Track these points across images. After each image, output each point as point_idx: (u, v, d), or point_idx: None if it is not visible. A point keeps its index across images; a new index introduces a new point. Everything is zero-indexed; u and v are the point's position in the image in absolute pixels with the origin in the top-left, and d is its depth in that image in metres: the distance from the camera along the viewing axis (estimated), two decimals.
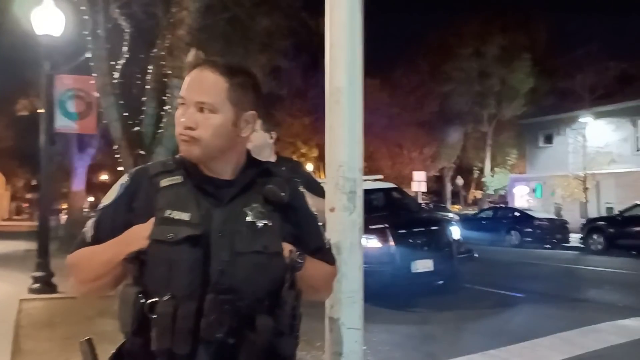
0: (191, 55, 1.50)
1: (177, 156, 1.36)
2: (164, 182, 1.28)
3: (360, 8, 1.96)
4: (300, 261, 1.26)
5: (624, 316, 6.91)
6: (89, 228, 1.32)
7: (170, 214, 1.23)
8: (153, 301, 1.17)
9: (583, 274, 12.01)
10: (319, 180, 2.78)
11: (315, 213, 1.45)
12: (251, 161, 1.39)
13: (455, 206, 43.04)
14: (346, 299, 1.91)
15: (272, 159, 2.75)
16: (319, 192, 2.51)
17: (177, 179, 1.29)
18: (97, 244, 1.28)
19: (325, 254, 1.43)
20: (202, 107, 1.27)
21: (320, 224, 1.46)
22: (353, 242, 1.93)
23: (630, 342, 5.83)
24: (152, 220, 1.23)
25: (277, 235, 1.28)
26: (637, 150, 24.62)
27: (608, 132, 24.71)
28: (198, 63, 1.32)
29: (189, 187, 1.28)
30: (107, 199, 1.34)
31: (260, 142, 2.69)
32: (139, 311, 1.17)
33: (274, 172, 1.39)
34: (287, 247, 1.28)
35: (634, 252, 15.19)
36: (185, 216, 1.23)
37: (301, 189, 1.44)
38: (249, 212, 1.26)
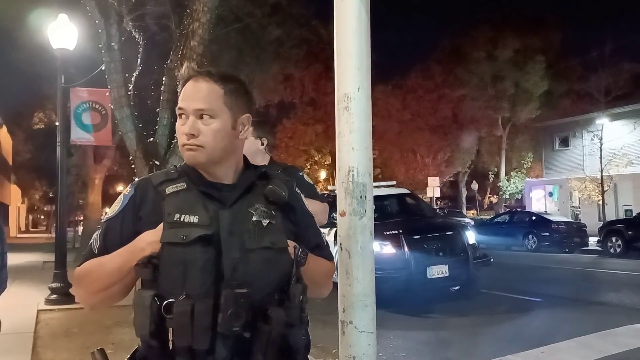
0: (184, 68, 1.54)
1: (178, 165, 1.42)
2: (169, 190, 1.33)
3: (368, 15, 1.99)
4: (304, 256, 1.32)
5: None
6: (95, 240, 1.36)
7: (180, 218, 1.27)
8: (169, 302, 1.21)
9: (601, 277, 11.86)
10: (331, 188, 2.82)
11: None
12: (248, 165, 1.46)
13: (471, 211, 42.78)
14: (358, 303, 1.92)
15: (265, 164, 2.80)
16: (311, 194, 2.56)
17: (181, 185, 1.34)
18: (105, 254, 1.32)
19: (323, 250, 1.50)
20: (202, 114, 1.33)
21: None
22: (364, 246, 1.95)
23: None
24: (161, 225, 1.28)
25: (282, 233, 1.35)
26: None
27: (625, 133, 24.40)
28: (191, 75, 1.38)
29: (194, 193, 1.33)
30: (112, 210, 1.38)
31: (252, 149, 2.74)
32: (155, 313, 1.21)
33: (272, 175, 1.46)
34: (291, 244, 1.35)
35: None
36: (194, 219, 1.27)
37: (297, 189, 1.51)
38: (254, 212, 1.33)
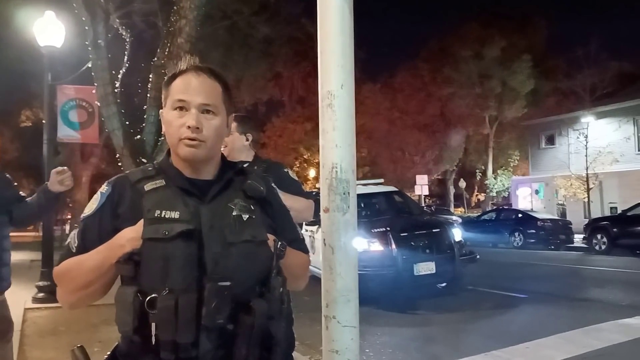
0: (184, 61, 1.54)
1: (155, 162, 1.44)
2: (148, 187, 1.33)
3: (351, 13, 2.01)
4: (283, 249, 1.35)
5: (626, 315, 6.90)
6: (73, 239, 1.35)
7: (160, 214, 1.28)
8: (152, 297, 1.22)
9: (586, 274, 11.99)
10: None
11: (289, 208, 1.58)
12: (225, 161, 1.48)
13: (458, 209, 43.00)
14: (341, 298, 1.94)
15: (250, 160, 2.83)
16: (296, 190, 2.60)
17: (160, 182, 1.34)
18: (84, 253, 1.31)
19: (300, 243, 1.55)
20: (207, 109, 1.34)
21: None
22: (347, 242, 1.97)
23: (632, 340, 5.82)
24: (141, 222, 1.28)
25: (261, 227, 1.37)
26: (639, 150, 24.59)
27: (610, 131, 24.65)
28: (192, 68, 1.38)
29: (172, 189, 1.33)
30: (89, 209, 1.37)
31: (237, 145, 2.77)
32: (138, 309, 1.21)
33: (248, 171, 1.50)
34: (270, 237, 1.37)
35: (638, 252, 15.14)
36: (175, 214, 1.28)
37: (273, 185, 1.54)
38: (234, 207, 1.35)
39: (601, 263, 13.56)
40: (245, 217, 1.34)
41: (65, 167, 2.81)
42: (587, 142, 23.38)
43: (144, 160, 7.07)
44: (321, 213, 2.02)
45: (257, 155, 2.92)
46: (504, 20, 34.10)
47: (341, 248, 1.97)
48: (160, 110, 1.43)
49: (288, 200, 2.67)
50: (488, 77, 34.43)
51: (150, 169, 1.39)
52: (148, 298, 1.22)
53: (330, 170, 1.97)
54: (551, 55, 34.27)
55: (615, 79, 26.80)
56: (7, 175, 2.91)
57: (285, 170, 2.77)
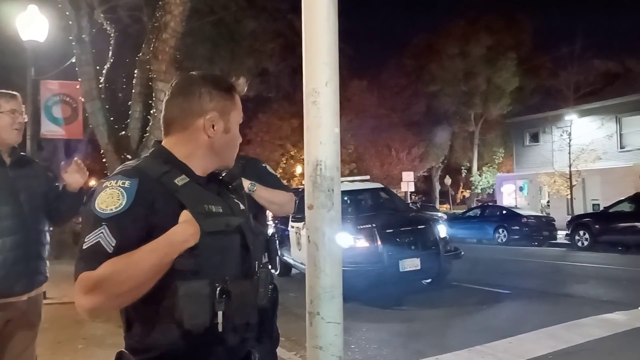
0: (243, 83, 1.57)
1: (147, 157, 1.45)
2: (179, 182, 1.36)
3: (336, 12, 2.02)
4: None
5: (607, 310, 7.02)
6: (103, 239, 1.25)
7: (209, 208, 1.35)
8: (222, 287, 1.30)
9: (568, 270, 12.14)
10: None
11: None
12: None
13: (444, 205, 43.28)
14: (325, 294, 1.96)
15: None
16: (276, 184, 2.65)
17: (185, 178, 1.38)
18: (121, 253, 1.23)
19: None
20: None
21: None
22: (331, 239, 1.99)
23: (613, 335, 5.93)
24: (188, 216, 1.30)
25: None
26: (622, 147, 24.90)
27: (593, 129, 24.92)
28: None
29: (195, 185, 1.39)
30: (114, 205, 1.28)
31: None
32: (212, 300, 1.28)
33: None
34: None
35: (619, 248, 15.35)
36: (219, 209, 1.39)
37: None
38: (237, 201, 1.51)
39: (583, 259, 13.74)
40: (244, 208, 1.50)
41: (76, 159, 2.79)
42: (570, 140, 23.63)
43: (128, 156, 7.02)
44: (306, 210, 2.04)
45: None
46: (490, 18, 34.29)
47: (325, 245, 1.99)
48: (213, 115, 1.44)
49: (269, 194, 2.69)
50: (474, 74, 34.62)
51: (161, 163, 1.40)
52: (220, 288, 1.28)
53: (314, 168, 1.98)
54: (536, 53, 34.53)
55: (599, 77, 27.05)
56: (50, 173, 2.89)
57: (263, 165, 2.78)
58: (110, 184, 1.32)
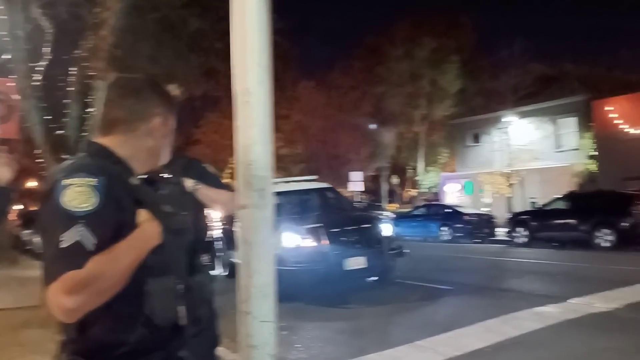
0: (176, 90, 1.53)
1: (87, 156, 1.41)
2: (133, 181, 1.42)
3: (268, 12, 2.04)
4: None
5: (541, 303, 7.34)
6: (84, 236, 1.22)
7: (165, 208, 1.42)
8: (181, 283, 1.40)
9: (507, 266, 12.60)
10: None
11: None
12: None
13: (393, 204, 43.91)
14: (258, 293, 1.98)
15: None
16: (217, 184, 2.66)
17: (136, 178, 1.44)
18: (100, 251, 1.22)
19: None
20: None
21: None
22: (264, 238, 2.01)
23: (546, 327, 6.21)
24: (148, 215, 1.35)
25: None
26: (558, 148, 26.01)
27: (531, 130, 25.96)
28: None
29: (144, 185, 1.46)
30: (86, 202, 1.25)
31: None
32: (178, 295, 1.39)
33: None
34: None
35: (555, 244, 16.02)
36: (170, 208, 1.45)
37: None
38: (178, 200, 1.67)
39: (521, 255, 14.27)
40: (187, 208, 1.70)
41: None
42: (509, 140, 24.50)
43: (65, 156, 6.80)
44: (238, 209, 2.05)
45: (174, 152, 2.91)
46: (434, 21, 35.03)
47: (258, 244, 2.00)
48: (158, 120, 1.49)
49: (212, 194, 2.70)
50: (419, 76, 35.27)
51: (113, 163, 1.41)
52: (184, 284, 1.41)
53: (246, 168, 2.00)
54: (478, 56, 35.53)
55: (536, 80, 28.10)
56: None
57: (204, 165, 2.79)
58: (74, 181, 1.28)
